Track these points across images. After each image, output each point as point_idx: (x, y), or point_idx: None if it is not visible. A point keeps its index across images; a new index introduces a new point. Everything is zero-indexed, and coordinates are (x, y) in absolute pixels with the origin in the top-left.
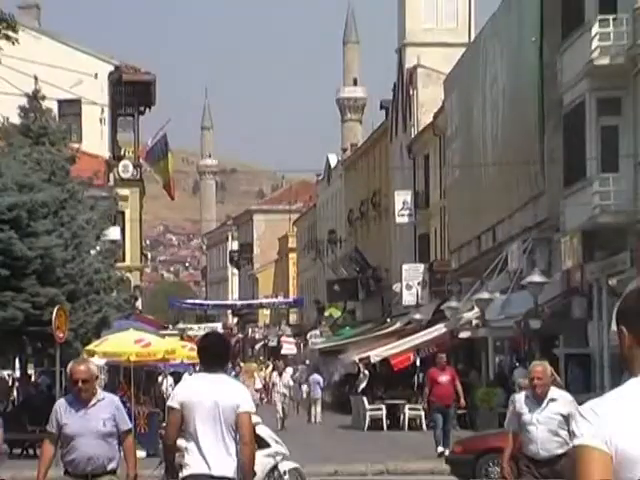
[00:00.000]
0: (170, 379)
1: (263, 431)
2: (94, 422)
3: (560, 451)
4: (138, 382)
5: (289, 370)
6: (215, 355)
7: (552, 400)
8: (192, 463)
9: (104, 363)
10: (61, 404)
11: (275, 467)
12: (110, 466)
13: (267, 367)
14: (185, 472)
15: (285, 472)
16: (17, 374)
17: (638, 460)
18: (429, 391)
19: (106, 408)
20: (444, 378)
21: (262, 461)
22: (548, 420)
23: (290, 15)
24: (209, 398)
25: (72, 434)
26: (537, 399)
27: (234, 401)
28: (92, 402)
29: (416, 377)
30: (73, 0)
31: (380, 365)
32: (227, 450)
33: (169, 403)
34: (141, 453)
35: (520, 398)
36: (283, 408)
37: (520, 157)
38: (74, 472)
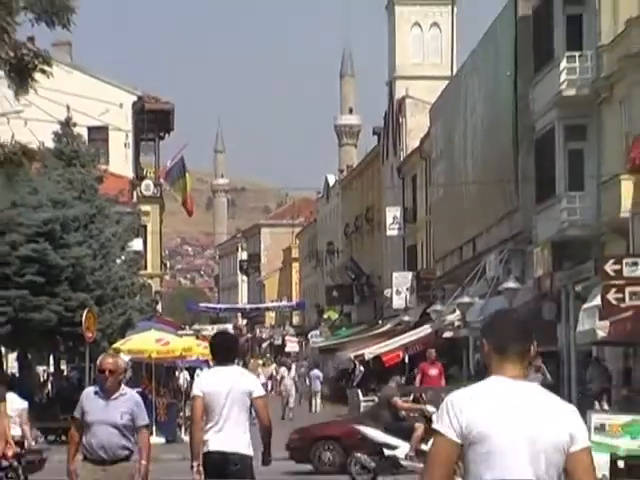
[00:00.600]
0: (186, 373)
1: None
2: (113, 413)
3: None
4: (158, 377)
5: (294, 366)
6: (227, 350)
7: None
8: (211, 442)
9: (128, 359)
10: (87, 393)
11: None
12: (123, 454)
13: (272, 363)
14: (205, 449)
15: None
16: (51, 369)
17: (487, 438)
18: (420, 382)
19: (126, 403)
20: (434, 371)
21: None
22: None
23: (294, 50)
24: (225, 386)
25: (92, 422)
26: None
27: (247, 388)
28: (115, 395)
29: (406, 372)
30: (100, 37)
31: (373, 361)
32: (243, 430)
33: (194, 392)
34: (160, 439)
35: None
36: (288, 400)
37: (497, 177)
38: (90, 457)
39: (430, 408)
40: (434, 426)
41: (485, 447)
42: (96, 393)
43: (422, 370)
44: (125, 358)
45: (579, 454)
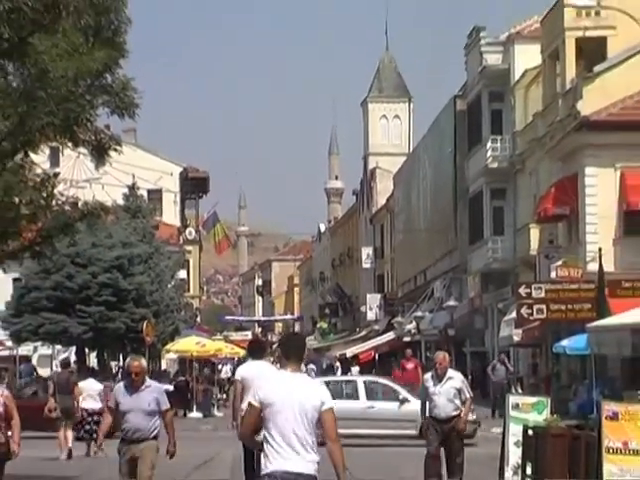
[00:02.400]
0: (228, 366)
1: None
2: (141, 403)
3: (454, 413)
4: (198, 369)
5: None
6: (259, 349)
7: (450, 378)
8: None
9: (177, 357)
10: (119, 388)
11: None
12: (152, 434)
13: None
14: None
15: None
16: (120, 364)
17: (273, 403)
18: (401, 374)
19: (151, 393)
20: (410, 365)
21: None
22: (446, 391)
23: (293, 131)
24: (256, 374)
25: (125, 410)
26: (439, 377)
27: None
28: (142, 388)
29: (376, 366)
30: (156, 123)
31: (352, 358)
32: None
33: (235, 377)
34: (198, 414)
35: (428, 377)
36: None
37: (441, 226)
38: (126, 438)
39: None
40: (248, 399)
41: (272, 409)
42: (126, 387)
43: (402, 365)
44: (173, 356)
45: (326, 412)
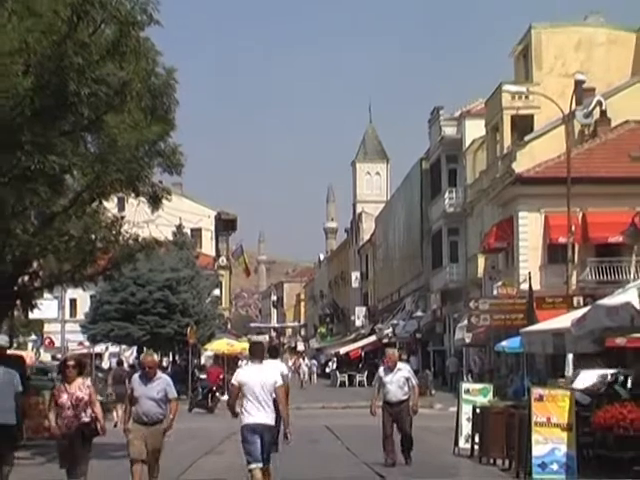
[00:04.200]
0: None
1: None
2: (152, 391)
3: (404, 397)
4: (228, 364)
5: (306, 359)
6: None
7: (399, 369)
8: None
9: (212, 354)
10: (135, 378)
11: None
12: (159, 418)
13: (292, 357)
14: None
15: None
16: (170, 360)
17: (247, 382)
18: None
19: (161, 384)
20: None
21: None
22: (397, 380)
23: (301, 184)
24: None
25: (138, 397)
26: (390, 369)
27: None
28: (154, 379)
29: (362, 361)
30: (197, 178)
31: (344, 355)
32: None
33: (232, 381)
34: (227, 398)
35: (381, 369)
36: (304, 376)
37: (411, 255)
38: (138, 420)
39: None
40: (232, 381)
41: (246, 386)
42: (140, 378)
43: (384, 360)
44: (210, 353)
45: (278, 387)
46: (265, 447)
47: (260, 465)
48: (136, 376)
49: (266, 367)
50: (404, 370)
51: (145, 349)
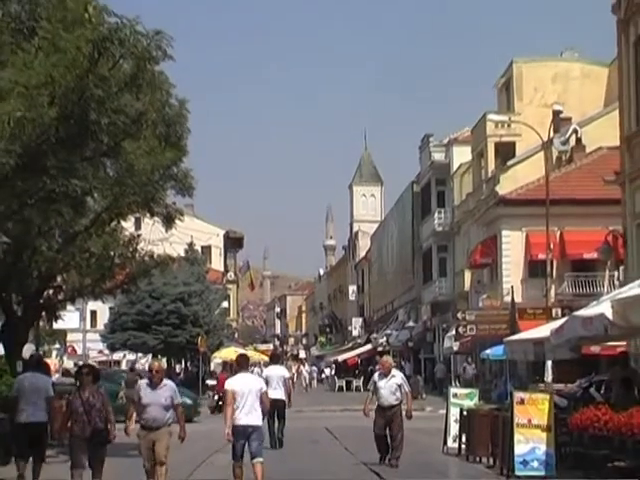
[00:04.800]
0: (256, 368)
1: None
2: (159, 398)
3: (395, 402)
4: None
5: (307, 365)
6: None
7: (393, 376)
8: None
9: (221, 361)
10: (142, 384)
11: None
12: (165, 423)
13: (294, 364)
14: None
15: None
16: (183, 367)
17: (238, 390)
18: None
19: (167, 390)
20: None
21: None
22: (390, 386)
23: (302, 206)
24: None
25: (146, 404)
26: (384, 374)
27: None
28: (160, 385)
29: (359, 368)
30: (207, 199)
31: (342, 362)
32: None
33: (225, 388)
34: None
35: (376, 375)
36: (306, 382)
37: (403, 270)
38: (145, 425)
39: None
40: (225, 387)
41: (238, 393)
42: (147, 385)
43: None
44: (219, 360)
45: (263, 394)
46: (254, 443)
47: (239, 463)
48: (144, 383)
49: (251, 376)
50: (397, 377)
51: (150, 356)
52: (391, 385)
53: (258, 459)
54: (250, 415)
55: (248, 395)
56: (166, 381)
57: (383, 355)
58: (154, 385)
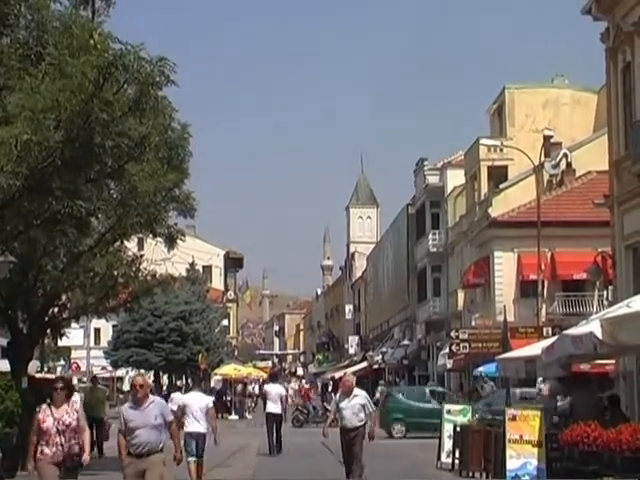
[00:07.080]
0: (255, 384)
1: None
2: (149, 418)
3: (359, 424)
4: (234, 387)
5: (303, 382)
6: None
7: (355, 395)
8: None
9: (221, 378)
10: (125, 408)
11: None
12: (158, 447)
13: (291, 381)
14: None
15: None
16: (184, 382)
17: (188, 405)
18: None
19: (156, 408)
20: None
21: None
22: (352, 406)
23: (300, 228)
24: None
25: (134, 427)
26: (346, 394)
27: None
28: (146, 404)
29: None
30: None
31: (339, 379)
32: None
33: (178, 402)
34: (235, 417)
35: (338, 395)
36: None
37: (398, 290)
38: (135, 452)
39: None
40: (178, 403)
41: (188, 407)
42: (131, 407)
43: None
44: (218, 377)
45: (210, 408)
46: (199, 446)
47: (195, 458)
48: (125, 407)
49: (200, 394)
50: (360, 396)
51: (161, 373)
52: (353, 405)
53: (200, 458)
54: (196, 424)
55: (196, 409)
56: (152, 397)
57: (345, 373)
58: (138, 403)
